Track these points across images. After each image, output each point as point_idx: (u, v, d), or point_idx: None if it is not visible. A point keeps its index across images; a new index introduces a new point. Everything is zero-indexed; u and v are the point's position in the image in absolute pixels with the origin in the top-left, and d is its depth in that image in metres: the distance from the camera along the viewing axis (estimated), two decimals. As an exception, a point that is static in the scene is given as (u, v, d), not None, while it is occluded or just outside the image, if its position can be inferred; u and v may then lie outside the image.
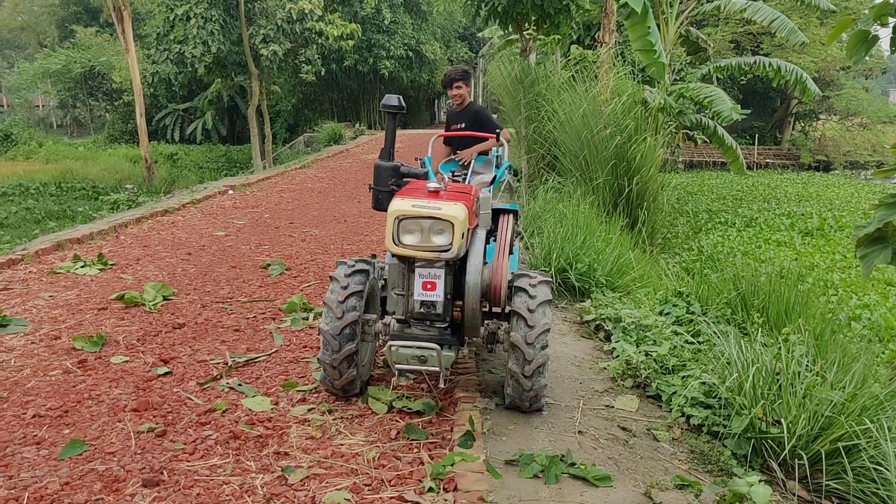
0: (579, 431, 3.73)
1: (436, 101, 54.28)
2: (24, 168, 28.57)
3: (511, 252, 4.14)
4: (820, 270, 11.62)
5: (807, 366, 4.14)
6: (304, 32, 23.38)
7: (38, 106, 49.63)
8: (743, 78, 17.85)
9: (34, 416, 3.71)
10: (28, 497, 2.97)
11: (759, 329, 4.62)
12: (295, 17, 23.32)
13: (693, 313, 5.65)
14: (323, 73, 30.08)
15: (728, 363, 4.16)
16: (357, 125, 35.07)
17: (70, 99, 43.32)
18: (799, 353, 4.17)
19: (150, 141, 21.15)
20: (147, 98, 28.78)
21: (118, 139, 38.00)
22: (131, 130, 32.19)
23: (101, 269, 6.97)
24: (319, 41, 23.44)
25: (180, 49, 21.85)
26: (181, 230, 9.27)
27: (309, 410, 3.85)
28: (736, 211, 18.44)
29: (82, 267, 6.98)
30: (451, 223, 3.33)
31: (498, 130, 5.62)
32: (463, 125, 6.14)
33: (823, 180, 27.72)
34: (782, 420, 3.69)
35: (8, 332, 5.04)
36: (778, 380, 3.92)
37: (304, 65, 25.24)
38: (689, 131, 14.07)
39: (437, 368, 3.44)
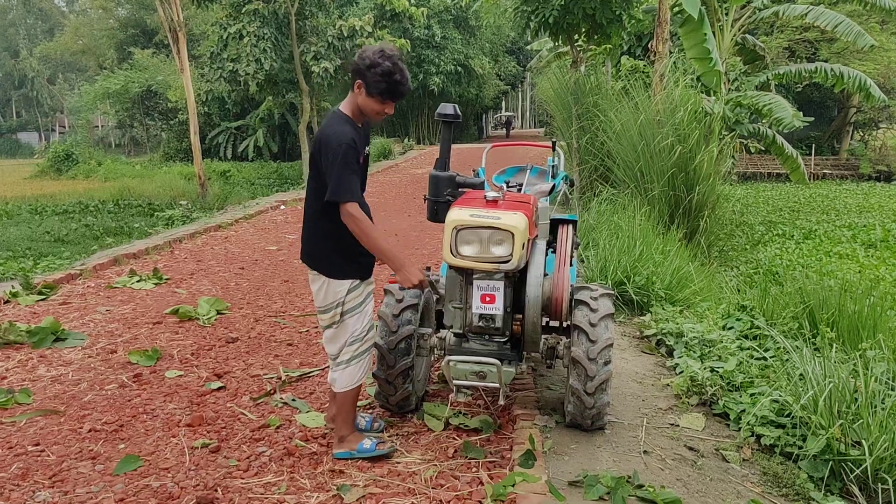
0: (644, 451, 3.56)
1: (483, 116, 54.25)
2: (84, 186, 29.25)
3: (570, 264, 3.99)
4: (886, 283, 11.16)
5: (888, 383, 3.90)
6: (353, 49, 23.59)
7: (97, 126, 51.09)
8: (798, 86, 17.39)
9: (90, 431, 3.69)
10: (83, 513, 2.93)
11: (832, 344, 4.38)
12: (346, 34, 23.54)
13: (758, 328, 5.41)
14: (372, 90, 30.25)
15: (802, 379, 3.95)
16: (406, 140, 35.19)
17: (128, 119, 44.36)
18: (879, 371, 3.93)
19: (203, 158, 21.48)
20: (201, 117, 29.32)
21: (173, 157, 38.73)
22: (186, 149, 32.70)
23: (156, 284, 7.04)
24: (368, 57, 23.55)
25: (233, 67, 22.21)
26: (234, 245, 9.33)
27: (363, 427, 3.76)
28: (793, 223, 17.90)
29: (138, 281, 7.05)
30: (511, 233, 3.20)
31: (553, 140, 5.48)
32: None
33: (885, 191, 26.79)
34: (863, 441, 3.47)
35: (66, 345, 5.09)
36: (856, 398, 3.69)
37: (354, 81, 25.39)
38: (743, 140, 13.71)
39: (497, 385, 3.31)
